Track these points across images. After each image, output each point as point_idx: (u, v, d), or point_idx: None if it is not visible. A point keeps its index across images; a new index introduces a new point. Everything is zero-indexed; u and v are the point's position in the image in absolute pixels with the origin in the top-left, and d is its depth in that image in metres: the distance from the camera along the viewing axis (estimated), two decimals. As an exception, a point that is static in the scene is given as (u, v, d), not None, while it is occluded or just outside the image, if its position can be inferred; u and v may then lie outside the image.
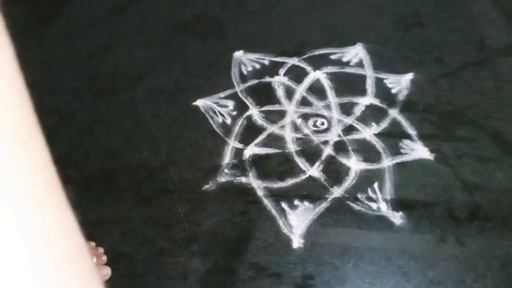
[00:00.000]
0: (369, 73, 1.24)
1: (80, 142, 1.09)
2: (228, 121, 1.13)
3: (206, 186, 1.00)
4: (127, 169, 1.03)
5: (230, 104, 1.17)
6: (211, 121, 1.13)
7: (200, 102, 1.17)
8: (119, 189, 1.00)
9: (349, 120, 1.13)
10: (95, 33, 1.37)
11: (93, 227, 0.93)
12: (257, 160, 1.05)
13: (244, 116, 1.14)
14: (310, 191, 0.99)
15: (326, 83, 1.22)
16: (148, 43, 1.35)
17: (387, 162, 1.04)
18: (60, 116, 1.13)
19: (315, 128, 1.11)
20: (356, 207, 0.96)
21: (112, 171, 1.03)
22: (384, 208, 0.96)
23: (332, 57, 1.28)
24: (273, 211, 0.96)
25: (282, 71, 1.25)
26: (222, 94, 1.19)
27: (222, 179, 1.01)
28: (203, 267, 0.87)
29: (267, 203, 0.97)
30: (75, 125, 1.12)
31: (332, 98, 1.18)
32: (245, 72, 1.25)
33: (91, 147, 1.08)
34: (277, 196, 0.98)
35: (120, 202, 0.98)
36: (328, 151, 1.06)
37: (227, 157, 1.05)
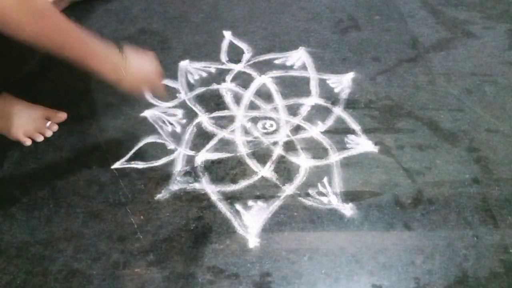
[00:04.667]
0: (312, 75, 1.29)
1: (24, 162, 1.05)
2: (178, 129, 1.14)
3: (158, 196, 0.99)
4: (76, 185, 1.01)
5: (179, 112, 1.18)
6: (160, 131, 1.13)
7: (148, 113, 1.17)
8: (68, 206, 0.97)
9: (296, 121, 1.16)
10: (33, 54, 1.33)
11: (43, 246, 0.90)
12: (209, 165, 1.06)
13: (194, 123, 1.15)
14: (263, 191, 1.01)
15: (272, 87, 1.25)
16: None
17: (334, 157, 1.08)
18: (2, 137, 1.09)
19: (265, 130, 1.14)
20: (308, 202, 0.99)
21: (60, 189, 1.00)
22: (334, 201, 0.99)
23: (276, 62, 1.33)
24: (228, 214, 0.97)
25: (229, 77, 1.27)
26: (170, 104, 1.20)
27: (175, 187, 1.01)
28: (161, 275, 0.86)
29: (222, 206, 0.98)
30: (17, 145, 1.08)
31: (279, 100, 1.21)
32: (192, 81, 1.26)
33: (36, 166, 1.04)
34: (231, 198, 0.99)
35: (70, 219, 0.95)
36: (278, 151, 1.09)
37: (179, 165, 1.05)
